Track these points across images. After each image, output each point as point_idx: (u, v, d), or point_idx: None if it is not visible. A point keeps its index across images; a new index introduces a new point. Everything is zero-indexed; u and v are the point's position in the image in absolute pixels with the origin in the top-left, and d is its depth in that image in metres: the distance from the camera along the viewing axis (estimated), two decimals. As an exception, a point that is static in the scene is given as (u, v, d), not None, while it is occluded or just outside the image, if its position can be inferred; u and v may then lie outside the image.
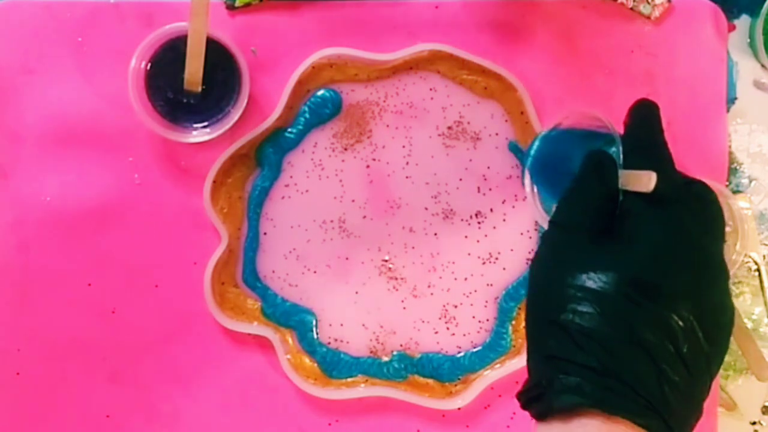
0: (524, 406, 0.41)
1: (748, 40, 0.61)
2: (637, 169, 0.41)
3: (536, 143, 0.50)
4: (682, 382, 0.38)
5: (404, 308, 0.60)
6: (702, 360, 0.39)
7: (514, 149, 0.60)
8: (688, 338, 0.38)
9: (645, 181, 0.40)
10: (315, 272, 0.60)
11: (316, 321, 0.60)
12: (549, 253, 0.42)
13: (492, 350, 0.60)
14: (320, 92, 0.60)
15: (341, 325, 0.60)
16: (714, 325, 0.40)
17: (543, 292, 0.42)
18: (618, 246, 0.40)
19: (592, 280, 0.39)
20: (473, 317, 0.60)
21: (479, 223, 0.60)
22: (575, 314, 0.39)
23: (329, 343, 0.60)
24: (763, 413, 0.61)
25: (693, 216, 0.41)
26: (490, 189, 0.60)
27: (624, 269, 0.39)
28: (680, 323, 0.38)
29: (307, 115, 0.60)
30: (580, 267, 0.39)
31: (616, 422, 0.38)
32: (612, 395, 0.37)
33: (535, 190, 0.51)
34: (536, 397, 0.40)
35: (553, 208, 0.43)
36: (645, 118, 0.45)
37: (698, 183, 0.43)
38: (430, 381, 0.60)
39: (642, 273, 0.39)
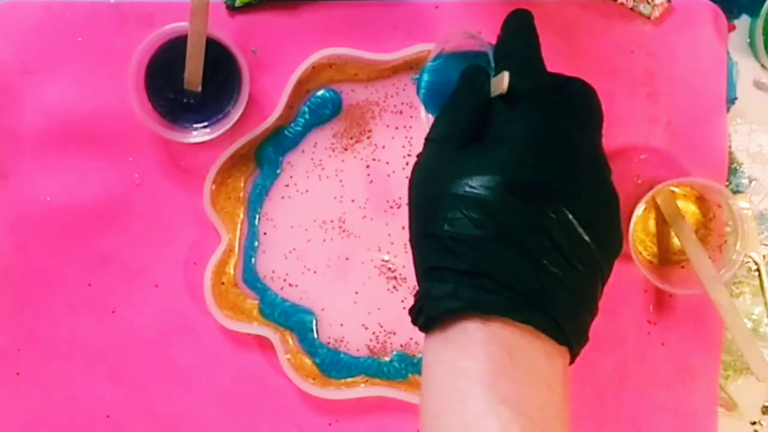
0: (413, 322, 0.41)
1: (748, 40, 0.61)
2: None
3: (424, 75, 0.49)
4: (565, 275, 0.38)
5: (404, 308, 0.60)
6: (585, 252, 0.39)
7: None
8: (563, 230, 0.38)
9: (501, 82, 0.40)
10: (315, 272, 0.60)
11: (316, 321, 0.60)
12: (422, 168, 0.43)
13: (492, 350, 0.60)
14: (320, 92, 0.60)
15: (341, 325, 0.60)
16: (592, 214, 0.39)
17: (418, 206, 0.42)
18: (483, 150, 0.40)
19: (459, 187, 0.39)
20: (473, 317, 0.60)
21: (479, 223, 0.60)
22: (446, 222, 0.39)
23: (329, 343, 0.60)
24: (763, 413, 0.61)
25: (561, 111, 0.41)
26: (490, 189, 0.60)
27: (488, 171, 0.39)
28: (552, 216, 0.38)
29: (307, 116, 0.60)
30: (449, 176, 0.40)
31: (494, 321, 0.38)
32: (487, 295, 0.37)
33: (430, 118, 0.51)
34: (420, 310, 0.40)
35: None
36: (513, 26, 0.45)
37: (573, 80, 0.43)
38: (430, 381, 0.60)
39: (506, 172, 0.39)
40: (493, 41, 0.44)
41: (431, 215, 0.40)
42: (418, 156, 0.43)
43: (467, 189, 0.39)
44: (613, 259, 0.41)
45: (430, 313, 0.39)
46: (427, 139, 0.43)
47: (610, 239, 0.41)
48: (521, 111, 0.41)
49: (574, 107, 0.42)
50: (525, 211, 0.38)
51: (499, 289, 0.37)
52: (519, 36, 0.44)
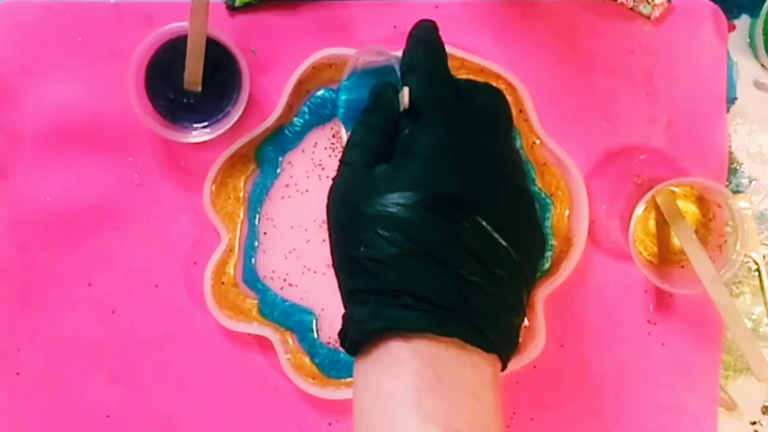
0: (342, 345, 0.41)
1: (748, 40, 0.61)
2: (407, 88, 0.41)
3: (341, 94, 0.50)
4: (485, 282, 0.38)
5: (404, 308, 0.60)
6: (503, 257, 0.39)
7: None
8: (478, 238, 0.38)
9: (404, 98, 0.40)
10: (315, 272, 0.60)
11: (316, 321, 0.60)
12: (337, 191, 0.42)
13: (492, 350, 0.60)
14: (320, 92, 0.60)
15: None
16: (507, 219, 0.39)
17: (336, 230, 0.42)
18: (392, 167, 0.40)
19: (372, 207, 0.39)
20: (473, 317, 0.60)
21: (479, 223, 0.60)
22: (362, 243, 0.39)
23: (329, 343, 0.60)
24: (763, 413, 0.61)
25: (466, 119, 0.41)
26: (490, 189, 0.60)
27: (398, 188, 0.39)
28: (466, 225, 0.38)
29: (306, 116, 0.60)
30: (362, 197, 0.40)
31: (417, 339, 0.37)
32: (408, 313, 0.37)
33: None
34: (346, 334, 0.40)
35: None
36: (416, 39, 0.45)
37: (480, 86, 0.43)
38: (430, 381, 0.60)
39: (415, 187, 0.38)
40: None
41: (348, 238, 0.40)
42: (333, 179, 0.43)
43: (379, 208, 0.38)
44: (536, 261, 0.41)
45: (353, 337, 0.39)
46: (340, 161, 0.43)
47: (528, 241, 0.40)
48: (425, 124, 0.40)
49: (479, 114, 0.41)
50: (438, 223, 0.38)
51: (419, 305, 0.37)
52: (421, 49, 0.44)
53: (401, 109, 0.42)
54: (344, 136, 0.49)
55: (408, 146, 0.40)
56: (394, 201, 0.38)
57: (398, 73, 0.44)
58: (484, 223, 0.38)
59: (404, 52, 0.45)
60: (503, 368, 0.40)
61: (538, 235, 0.41)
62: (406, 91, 0.40)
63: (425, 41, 0.45)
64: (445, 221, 0.38)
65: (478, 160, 0.40)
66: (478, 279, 0.38)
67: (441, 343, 0.37)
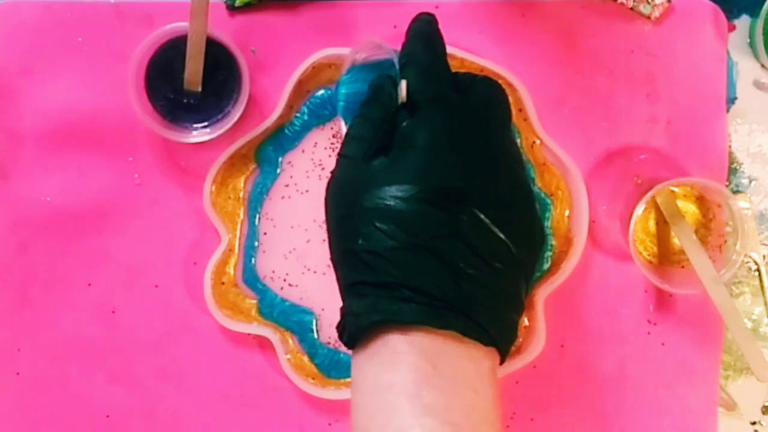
0: (340, 338, 0.41)
1: (748, 40, 0.61)
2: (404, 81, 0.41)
3: (340, 88, 0.49)
4: (484, 275, 0.38)
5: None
6: (502, 250, 0.38)
7: None
8: (476, 231, 0.38)
9: (402, 91, 0.40)
10: (315, 272, 0.60)
11: (316, 321, 0.60)
12: (335, 185, 0.42)
13: (492, 350, 0.60)
14: (320, 92, 0.60)
15: (341, 325, 0.60)
16: (505, 212, 0.39)
17: (334, 223, 0.42)
18: (389, 160, 0.40)
19: (370, 200, 0.39)
20: (473, 317, 0.60)
21: (479, 223, 0.60)
22: (360, 236, 0.39)
23: (329, 343, 0.60)
24: (763, 413, 0.61)
25: (464, 112, 0.40)
26: (490, 189, 0.60)
27: (396, 181, 0.38)
28: (464, 218, 0.38)
29: (306, 116, 0.60)
30: (360, 190, 0.39)
31: (415, 331, 0.37)
32: (406, 305, 0.37)
33: None
34: (344, 327, 0.40)
35: None
36: (415, 32, 0.45)
37: (478, 79, 0.43)
38: (430, 381, 0.60)
39: (412, 180, 0.38)
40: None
41: (346, 231, 0.40)
42: (331, 173, 0.43)
43: (377, 201, 0.38)
44: (535, 254, 0.41)
45: (352, 330, 0.39)
46: (338, 154, 0.43)
47: (527, 235, 0.40)
48: (422, 117, 0.40)
49: (477, 107, 0.41)
50: (436, 216, 0.38)
51: (417, 298, 0.37)
52: (420, 42, 0.44)
53: (399, 102, 0.42)
54: (344, 129, 0.49)
55: (405, 139, 0.40)
56: (392, 194, 0.38)
57: (397, 67, 0.44)
58: (482, 216, 0.38)
59: (403, 45, 0.45)
60: (501, 362, 0.40)
61: (538, 229, 0.41)
62: (403, 84, 0.40)
63: (424, 34, 0.45)
64: (442, 214, 0.38)
65: (476, 153, 0.40)
66: (476, 272, 0.38)
67: (439, 335, 0.37)
